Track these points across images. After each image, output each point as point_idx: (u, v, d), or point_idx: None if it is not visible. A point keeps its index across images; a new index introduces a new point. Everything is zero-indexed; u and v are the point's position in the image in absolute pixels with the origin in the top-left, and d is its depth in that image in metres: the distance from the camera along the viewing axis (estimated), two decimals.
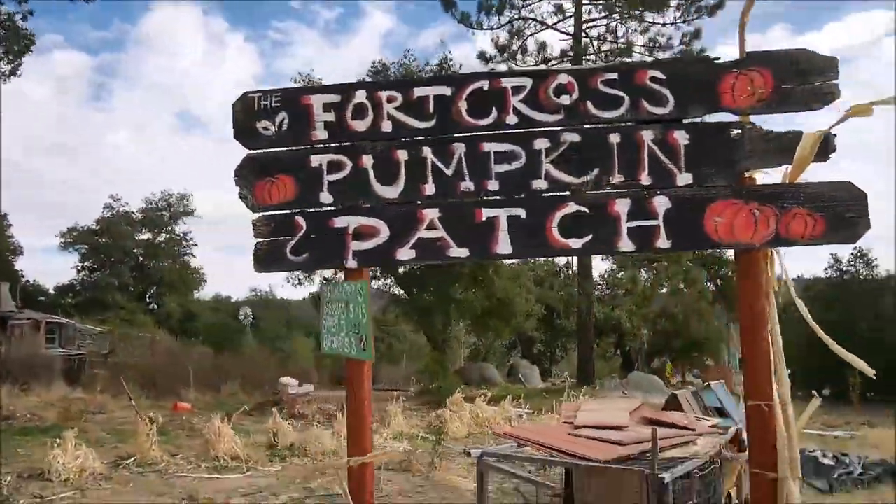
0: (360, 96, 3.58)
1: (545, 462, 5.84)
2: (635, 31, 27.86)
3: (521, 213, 3.40)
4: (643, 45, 27.41)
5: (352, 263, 3.52)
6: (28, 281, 44.61)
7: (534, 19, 28.34)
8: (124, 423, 14.82)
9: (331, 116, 3.61)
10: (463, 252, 3.45)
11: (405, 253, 3.48)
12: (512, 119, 3.48)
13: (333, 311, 3.58)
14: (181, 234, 49.53)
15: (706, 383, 13.23)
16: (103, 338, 28.38)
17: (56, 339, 27.00)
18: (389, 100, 3.57)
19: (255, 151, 3.71)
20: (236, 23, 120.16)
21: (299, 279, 30.13)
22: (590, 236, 3.34)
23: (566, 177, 3.40)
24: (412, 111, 3.55)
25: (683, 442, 5.66)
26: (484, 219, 3.42)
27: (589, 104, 3.43)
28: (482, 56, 28.29)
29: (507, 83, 3.51)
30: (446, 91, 3.55)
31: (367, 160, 3.55)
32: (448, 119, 3.53)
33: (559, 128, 3.45)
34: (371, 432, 3.60)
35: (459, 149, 3.50)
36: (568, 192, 3.40)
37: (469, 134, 3.53)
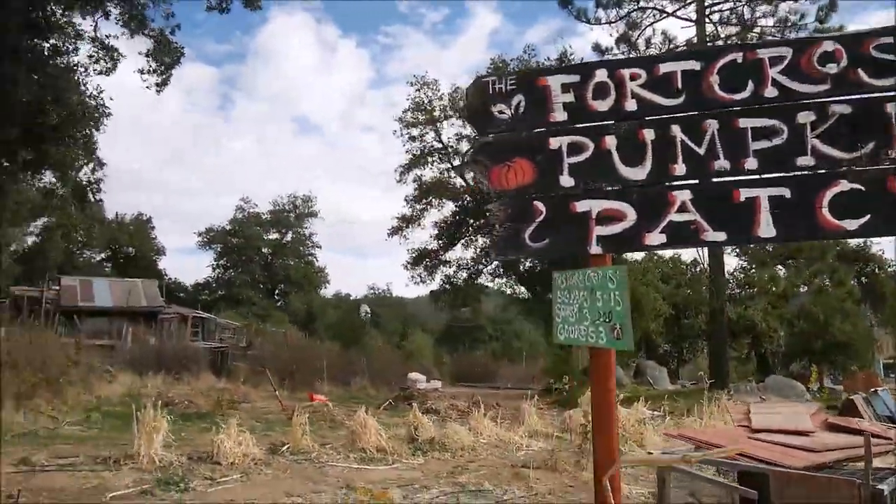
0: (601, 75, 3.43)
1: (731, 467, 5.48)
2: (762, 12, 26.28)
3: (785, 192, 3.12)
4: (773, 26, 25.81)
5: (596, 249, 3.36)
6: (170, 279, 47.95)
7: (653, 8, 27.36)
8: (268, 412, 15.50)
9: (570, 97, 3.48)
10: (720, 236, 3.21)
11: (654, 238, 3.28)
12: (771, 92, 3.21)
13: (571, 299, 3.44)
14: (306, 235, 51.77)
15: (872, 389, 12.20)
16: (241, 332, 29.95)
17: (199, 333, 28.75)
18: (633, 77, 3.39)
19: (490, 136, 3.64)
20: (347, 29, 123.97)
21: (422, 277, 30.60)
22: (867, 217, 3.02)
23: (836, 152, 3.10)
24: (658, 88, 3.36)
25: (884, 451, 5.21)
26: (742, 199, 3.17)
27: (860, 72, 3.12)
28: (597, 48, 27.61)
29: (764, 54, 3.25)
30: (695, 66, 3.33)
31: (611, 141, 3.39)
32: (698, 95, 3.31)
33: (826, 99, 3.16)
34: (617, 426, 3.42)
35: (712, 126, 3.27)
36: (841, 169, 3.09)
37: (722, 110, 3.29)
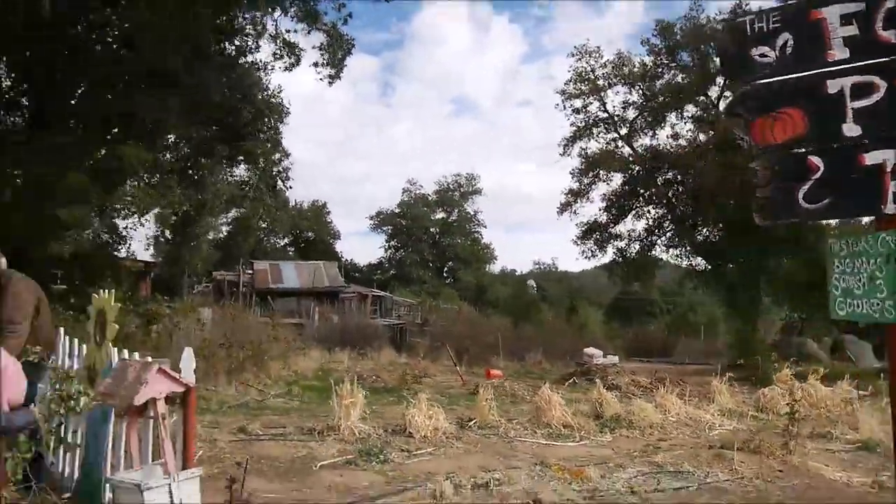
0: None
1: None
2: None
3: None
4: None
5: (892, 208, 2.84)
6: (346, 260, 50.85)
7: None
8: (448, 386, 15.87)
9: (852, 30, 2.98)
10: None
11: None
12: None
13: (857, 268, 2.99)
14: (471, 213, 52.65)
15: None
16: (415, 309, 31.08)
17: (378, 311, 30.21)
18: None
19: (750, 84, 3.24)
20: (500, 6, 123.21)
21: (593, 252, 29.90)
22: None
23: None
24: None
25: None
26: None
27: None
28: None
29: None
30: None
31: None
32: None
33: None
34: None
35: None
36: None
37: None
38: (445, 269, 52.08)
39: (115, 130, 18.55)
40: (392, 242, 52.39)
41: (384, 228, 51.81)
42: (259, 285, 28.67)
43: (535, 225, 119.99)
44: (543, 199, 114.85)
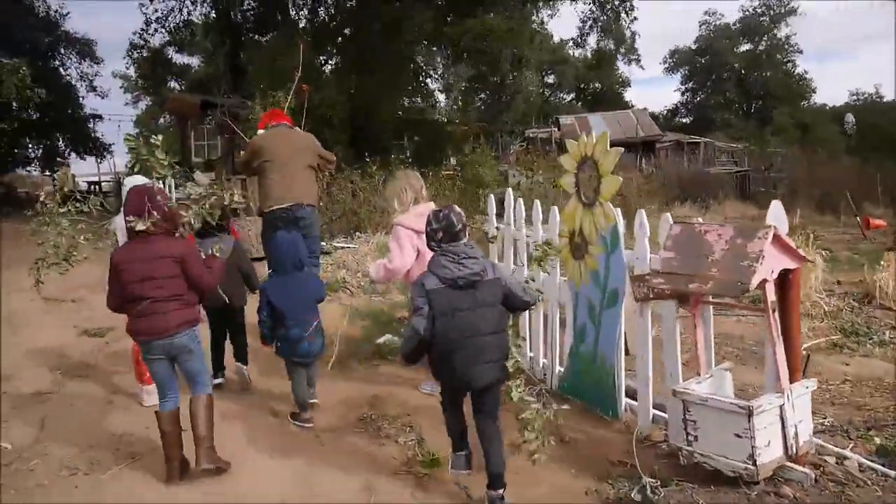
0: None
1: None
2: None
3: None
4: None
5: None
6: (635, 108, 47.01)
7: None
8: (843, 242, 13.05)
9: None
10: None
11: None
12: None
13: None
14: (783, 39, 44.82)
15: None
16: (740, 154, 27.33)
17: (698, 158, 27.07)
18: None
19: None
20: None
21: None
22: None
23: None
24: None
25: None
26: None
27: None
28: None
29: None
30: None
31: None
32: None
33: None
34: None
35: None
36: None
37: None
38: (753, 109, 45.55)
39: None
40: (689, 85, 47.04)
41: (680, 70, 46.52)
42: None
43: (840, 49, 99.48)
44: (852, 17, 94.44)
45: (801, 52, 45.68)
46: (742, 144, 28.98)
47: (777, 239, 2.92)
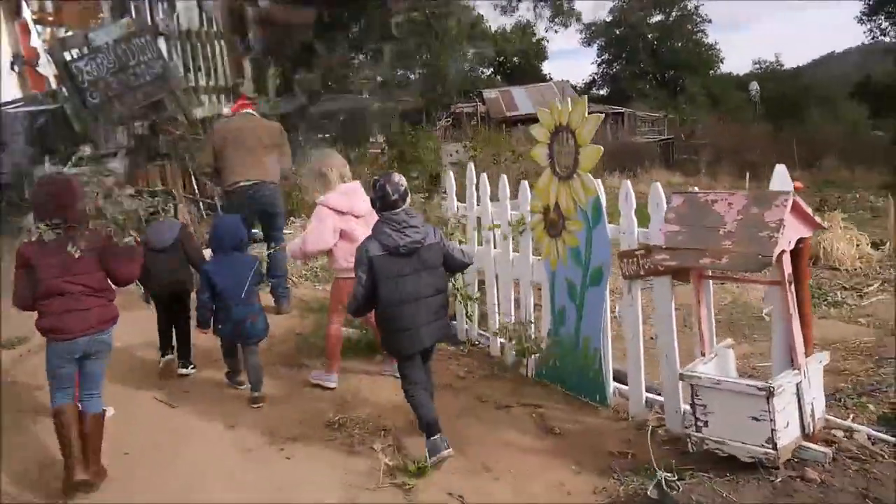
0: None
1: None
2: None
3: None
4: None
5: None
6: (557, 80, 47.27)
7: None
8: None
9: None
10: None
11: None
12: None
13: None
14: (692, 9, 45.88)
15: None
16: (659, 123, 27.82)
17: (622, 129, 27.37)
18: None
19: None
20: None
21: (882, 29, 24.27)
22: None
23: None
24: None
25: None
26: None
27: None
28: None
29: None
30: None
31: None
32: None
33: None
34: None
35: None
36: None
37: None
38: (666, 78, 46.48)
39: None
40: (604, 56, 47.57)
41: (597, 42, 46.93)
42: (495, 114, 26.93)
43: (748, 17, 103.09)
44: None
45: (710, 21, 46.90)
46: (662, 113, 29.55)
47: (795, 206, 2.68)
